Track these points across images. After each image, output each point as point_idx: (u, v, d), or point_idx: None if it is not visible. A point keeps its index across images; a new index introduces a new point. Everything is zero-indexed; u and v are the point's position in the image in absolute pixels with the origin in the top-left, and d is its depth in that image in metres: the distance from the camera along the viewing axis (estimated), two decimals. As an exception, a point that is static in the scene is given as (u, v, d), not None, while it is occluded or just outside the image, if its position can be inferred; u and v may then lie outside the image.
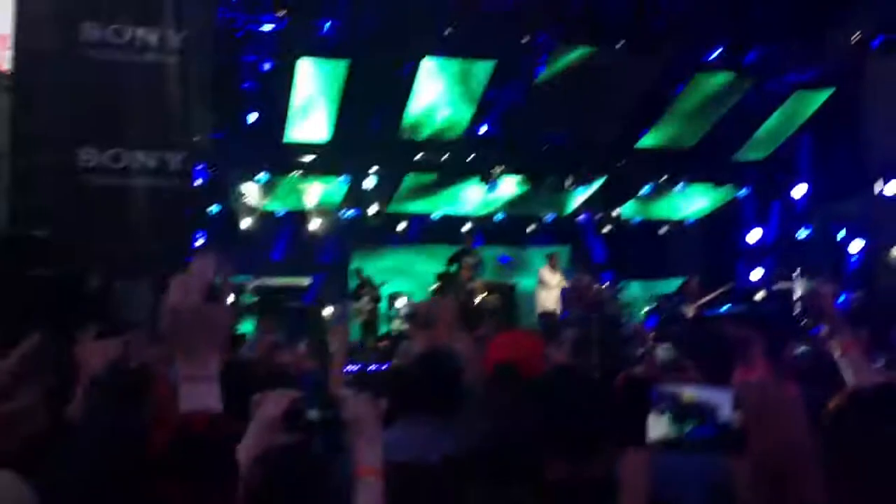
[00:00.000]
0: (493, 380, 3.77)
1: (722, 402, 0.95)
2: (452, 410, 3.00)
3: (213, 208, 12.15)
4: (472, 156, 12.55)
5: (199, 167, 10.21)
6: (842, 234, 12.95)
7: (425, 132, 12.19)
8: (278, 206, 13.51)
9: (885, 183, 12.07)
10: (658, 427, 0.96)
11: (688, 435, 0.95)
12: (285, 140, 11.95)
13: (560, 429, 2.28)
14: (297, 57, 10.61)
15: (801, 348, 6.51)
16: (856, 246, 12.79)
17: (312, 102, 11.42)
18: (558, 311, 11.37)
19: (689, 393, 0.97)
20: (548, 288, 11.77)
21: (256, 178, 12.32)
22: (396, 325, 12.18)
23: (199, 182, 10.38)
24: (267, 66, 10.98)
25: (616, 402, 1.02)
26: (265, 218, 13.04)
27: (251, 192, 12.56)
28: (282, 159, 12.29)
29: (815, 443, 1.01)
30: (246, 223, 12.79)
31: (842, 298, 12.26)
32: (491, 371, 3.82)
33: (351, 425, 1.95)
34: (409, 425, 2.91)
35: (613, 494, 2.06)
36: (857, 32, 10.83)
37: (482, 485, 2.46)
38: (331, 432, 1.93)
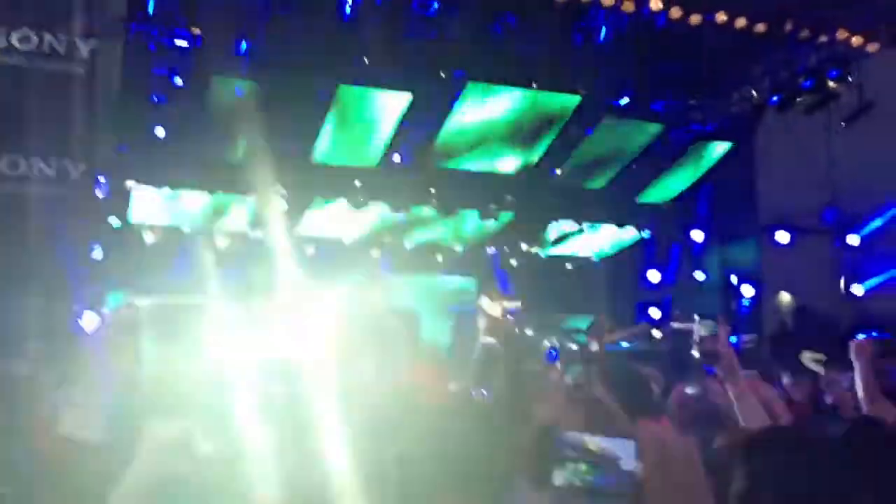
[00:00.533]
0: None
1: (624, 451, 1.00)
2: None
3: (115, 222, 11.77)
4: (384, 184, 12.57)
5: (102, 178, 9.93)
6: (734, 279, 13.55)
7: (337, 158, 12.14)
8: (184, 224, 13.22)
9: (775, 232, 12.75)
10: (564, 473, 1.00)
11: (592, 482, 1.00)
12: (194, 156, 11.70)
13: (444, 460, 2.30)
14: (209, 75, 10.45)
15: (694, 388, 6.77)
16: (747, 290, 13.41)
17: (224, 120, 11.23)
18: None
19: (594, 442, 1.02)
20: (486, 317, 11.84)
21: (162, 193, 12.00)
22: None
23: (100, 193, 10.09)
24: (179, 82, 10.78)
25: (525, 447, 1.05)
26: (170, 234, 12.71)
27: (156, 206, 12.23)
28: (190, 175, 12.02)
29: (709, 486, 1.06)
30: (149, 238, 12.44)
31: (734, 340, 12.83)
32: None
33: None
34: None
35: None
36: (755, 91, 11.44)
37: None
38: None
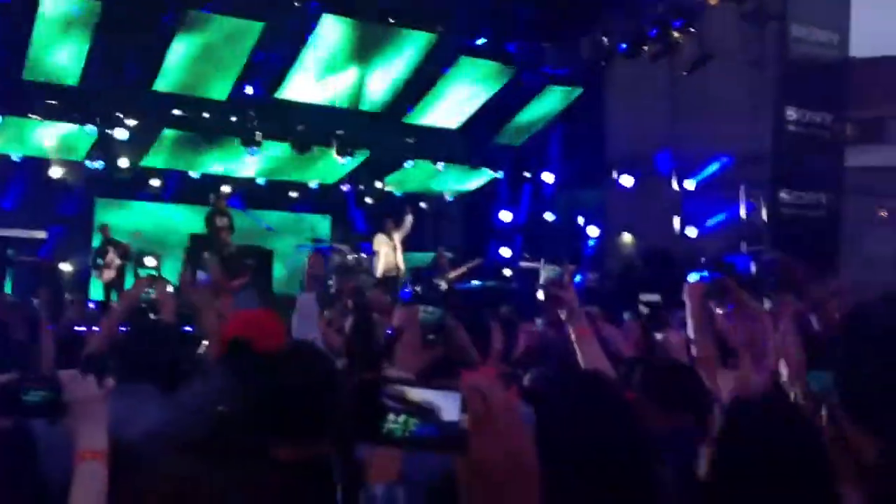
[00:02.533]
0: (226, 354, 3.69)
1: (448, 403, 1.01)
2: (173, 382, 2.88)
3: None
4: (235, 118, 12.11)
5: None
6: (581, 220, 14.09)
7: (185, 87, 11.53)
8: (13, 151, 12.29)
9: (619, 175, 13.30)
10: (387, 425, 1.01)
11: (411, 433, 1.01)
12: (24, 78, 10.80)
13: (284, 406, 2.28)
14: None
15: (538, 325, 7.04)
16: (593, 231, 13.99)
17: (58, 41, 10.37)
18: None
19: (416, 393, 1.03)
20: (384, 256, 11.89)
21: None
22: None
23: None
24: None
25: (351, 402, 1.04)
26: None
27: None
28: (18, 99, 11.11)
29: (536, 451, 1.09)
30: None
31: (578, 279, 13.40)
32: (225, 345, 3.72)
33: (73, 407, 1.82)
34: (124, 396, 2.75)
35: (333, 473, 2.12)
36: (605, 38, 11.76)
37: (199, 462, 2.39)
38: (50, 415, 1.80)
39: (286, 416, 2.27)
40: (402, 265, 12.16)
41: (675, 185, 13.21)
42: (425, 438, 0.99)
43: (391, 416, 0.99)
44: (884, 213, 15.81)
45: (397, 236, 12.17)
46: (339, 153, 12.85)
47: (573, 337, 2.72)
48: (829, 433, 1.26)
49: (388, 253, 12.02)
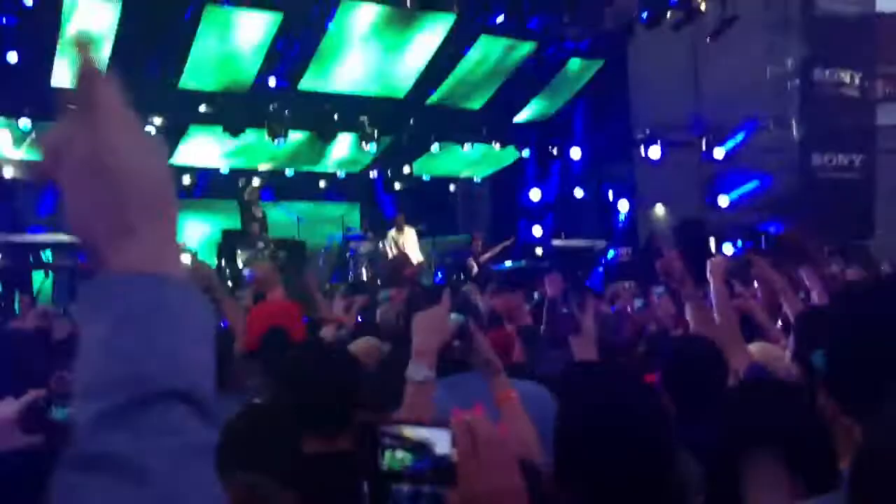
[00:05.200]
0: (263, 345, 3.74)
1: (439, 438, 1.09)
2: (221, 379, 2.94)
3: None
4: (260, 109, 12.19)
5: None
6: (611, 194, 14.00)
7: (208, 83, 11.64)
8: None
9: (647, 148, 13.17)
10: (386, 461, 1.10)
11: (407, 468, 1.09)
12: (52, 84, 10.97)
13: (310, 400, 2.32)
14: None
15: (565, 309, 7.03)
16: (623, 205, 13.90)
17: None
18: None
19: (409, 430, 1.11)
20: (394, 250, 11.79)
21: (18, 124, 11.25)
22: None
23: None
24: (30, 2, 10.01)
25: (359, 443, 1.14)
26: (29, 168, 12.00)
27: (8, 139, 11.47)
28: (47, 104, 11.28)
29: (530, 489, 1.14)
30: (8, 173, 11.69)
31: (611, 254, 13.35)
32: (259, 337, 3.77)
33: None
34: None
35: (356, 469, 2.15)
36: (626, 7, 11.62)
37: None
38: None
39: (318, 409, 2.32)
40: (418, 257, 11.94)
41: (704, 155, 13.06)
42: (420, 472, 1.07)
43: (388, 453, 1.08)
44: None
45: (408, 231, 12.07)
46: (364, 140, 12.89)
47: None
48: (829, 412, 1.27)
49: (399, 247, 11.96)
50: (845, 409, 1.01)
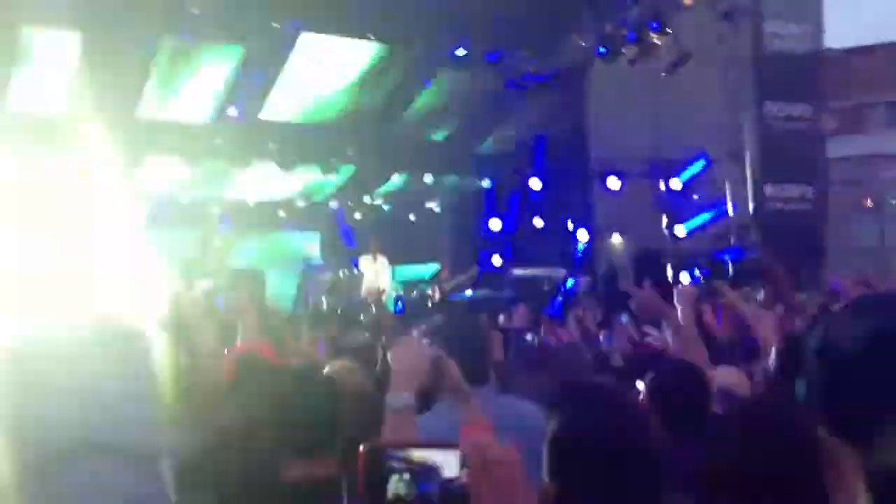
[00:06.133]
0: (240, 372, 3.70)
1: (448, 460, 1.08)
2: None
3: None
4: (219, 140, 12.11)
5: None
6: (570, 224, 14.15)
7: (167, 114, 11.55)
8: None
9: (605, 178, 13.37)
10: (392, 486, 1.08)
11: (416, 492, 1.08)
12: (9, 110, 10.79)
13: (291, 426, 2.31)
14: (23, 23, 9.60)
15: (530, 337, 7.06)
16: (582, 235, 14.05)
17: (41, 73, 10.38)
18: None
19: (418, 454, 1.10)
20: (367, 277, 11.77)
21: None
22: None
23: None
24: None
25: (358, 470, 1.12)
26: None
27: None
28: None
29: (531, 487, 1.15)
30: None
31: (570, 283, 13.46)
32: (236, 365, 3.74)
33: None
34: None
35: (342, 494, 2.15)
36: (583, 43, 11.84)
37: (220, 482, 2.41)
38: None
39: (300, 432, 2.30)
40: (386, 286, 11.98)
41: (661, 185, 13.29)
42: (428, 495, 1.06)
43: (395, 477, 1.07)
44: (869, 203, 15.96)
45: (381, 258, 12.12)
46: (324, 170, 12.87)
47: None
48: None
49: (371, 274, 11.98)
50: (836, 435, 1.03)
